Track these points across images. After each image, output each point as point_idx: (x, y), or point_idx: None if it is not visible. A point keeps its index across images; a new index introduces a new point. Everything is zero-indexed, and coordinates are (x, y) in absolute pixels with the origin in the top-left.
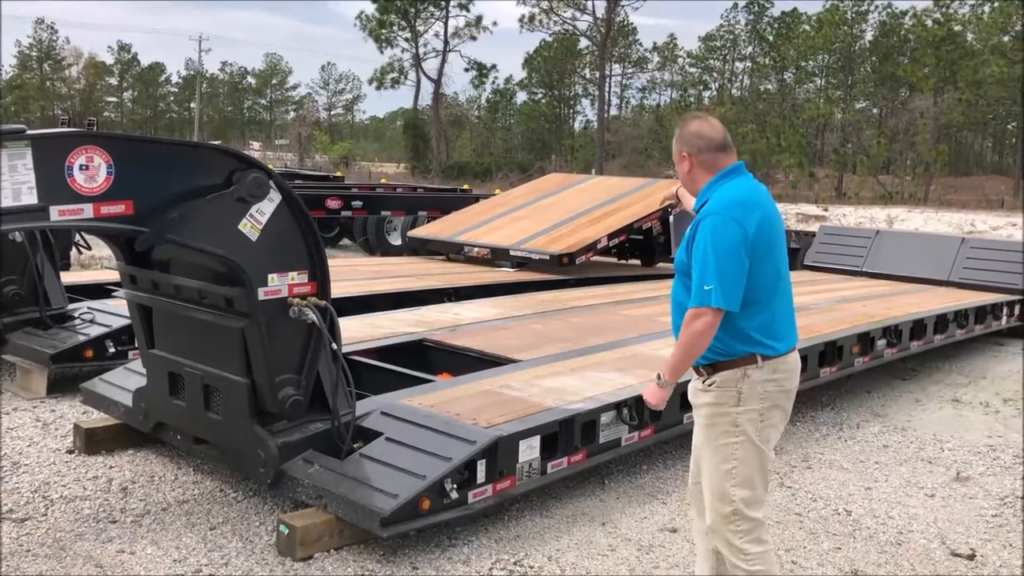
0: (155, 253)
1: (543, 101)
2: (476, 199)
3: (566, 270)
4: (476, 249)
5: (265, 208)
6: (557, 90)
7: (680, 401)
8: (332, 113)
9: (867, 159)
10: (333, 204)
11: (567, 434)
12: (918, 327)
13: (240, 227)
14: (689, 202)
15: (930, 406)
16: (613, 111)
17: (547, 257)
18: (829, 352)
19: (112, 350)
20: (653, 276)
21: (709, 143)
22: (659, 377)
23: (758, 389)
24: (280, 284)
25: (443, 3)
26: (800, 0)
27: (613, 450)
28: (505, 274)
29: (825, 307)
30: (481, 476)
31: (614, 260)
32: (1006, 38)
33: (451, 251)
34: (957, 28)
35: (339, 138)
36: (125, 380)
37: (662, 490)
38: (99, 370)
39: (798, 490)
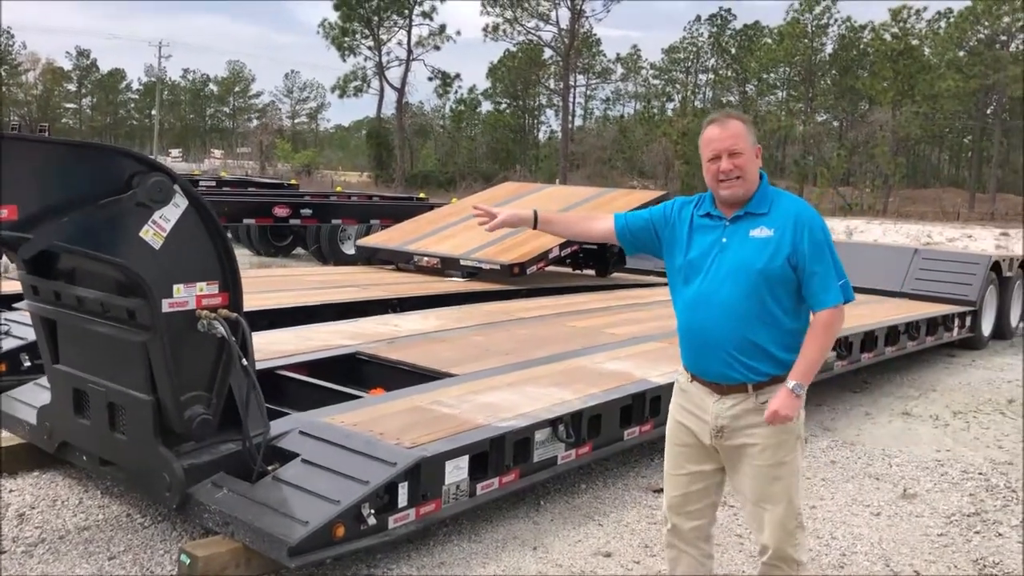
0: (58, 263)
1: (507, 111)
2: (431, 208)
3: (517, 280)
4: (426, 259)
5: (169, 214)
6: (521, 100)
7: (620, 417)
8: (296, 121)
9: (827, 171)
10: (281, 212)
11: (498, 453)
12: (869, 339)
13: (141, 234)
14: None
15: (880, 419)
16: (578, 122)
17: (498, 267)
18: None
19: (28, 364)
20: (607, 287)
21: None
22: (799, 387)
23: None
24: (187, 295)
25: (406, 12)
26: (762, 13)
27: (549, 469)
28: (454, 284)
29: None
30: (403, 500)
31: (568, 270)
32: (961, 53)
33: (400, 260)
34: (914, 42)
35: (303, 146)
36: (33, 397)
37: (599, 511)
38: (16, 385)
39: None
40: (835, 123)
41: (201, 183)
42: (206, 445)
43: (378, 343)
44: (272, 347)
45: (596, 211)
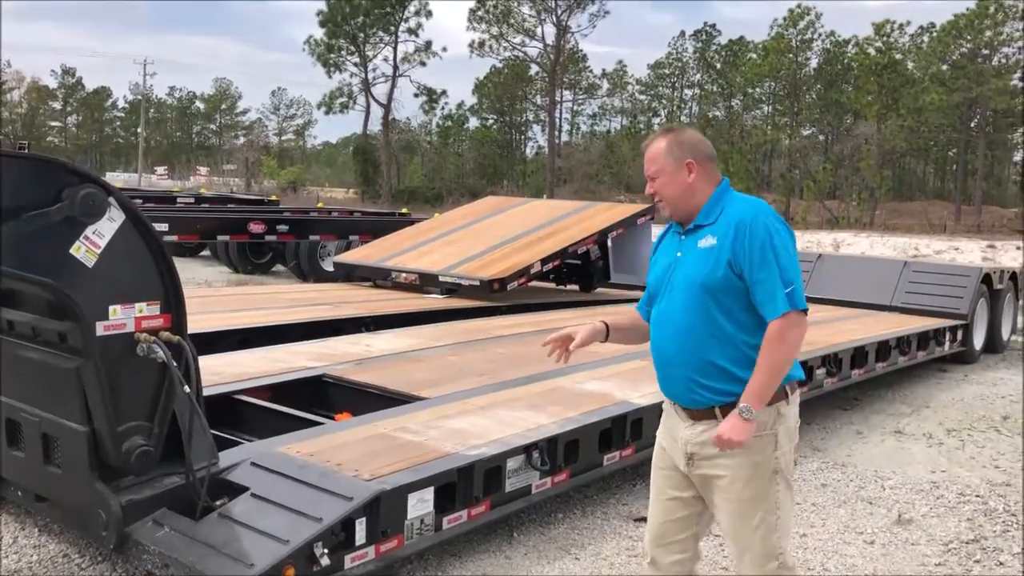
0: None
1: (494, 127)
2: (413, 223)
3: (498, 296)
4: (404, 275)
5: (104, 229)
6: (508, 116)
7: (599, 441)
8: (283, 138)
9: (813, 184)
10: (256, 228)
11: (466, 484)
12: (859, 355)
13: (72, 251)
14: None
15: (872, 438)
16: (564, 137)
17: (477, 283)
18: None
19: None
20: (591, 302)
21: (710, 152)
22: (747, 411)
23: (790, 426)
24: (124, 317)
25: (392, 28)
26: (746, 28)
27: (522, 499)
28: (432, 301)
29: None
30: (361, 537)
31: (551, 286)
32: (945, 67)
33: (378, 277)
34: (898, 56)
35: (289, 163)
36: None
37: (576, 543)
38: None
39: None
40: (821, 137)
41: (180, 200)
42: (147, 479)
43: (346, 364)
44: (232, 370)
45: (582, 224)
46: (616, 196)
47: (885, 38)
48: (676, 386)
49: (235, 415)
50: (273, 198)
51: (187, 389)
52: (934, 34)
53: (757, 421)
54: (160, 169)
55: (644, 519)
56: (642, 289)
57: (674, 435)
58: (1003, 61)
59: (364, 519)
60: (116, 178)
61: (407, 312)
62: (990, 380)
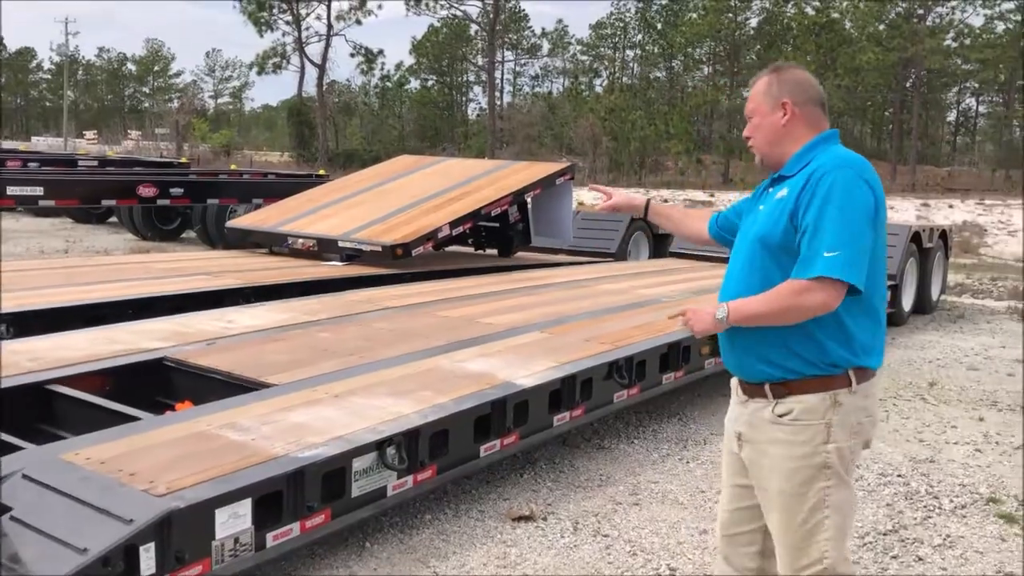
0: None
1: (434, 88)
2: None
3: (402, 263)
4: (301, 241)
5: None
6: (448, 77)
7: (474, 430)
8: (219, 101)
9: None
10: (147, 192)
11: (297, 492)
12: None
13: None
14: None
15: None
16: (507, 99)
17: (379, 248)
18: (673, 354)
19: None
20: (509, 267)
21: (817, 95)
22: (721, 311)
23: (851, 420)
24: None
25: None
26: None
27: (375, 504)
28: (329, 269)
29: (678, 300)
30: (149, 566)
31: (469, 251)
32: (881, 26)
33: (274, 243)
34: (836, 16)
35: (227, 126)
36: None
37: (439, 551)
38: None
39: (616, 539)
40: None
41: (81, 163)
42: None
43: (196, 345)
44: (57, 354)
45: (497, 184)
46: (558, 158)
47: None
48: (729, 354)
49: (49, 409)
50: (184, 160)
51: None
52: None
53: (805, 406)
54: (89, 134)
55: (525, 517)
56: (566, 252)
57: (732, 413)
58: (937, 21)
59: (152, 544)
60: (40, 143)
61: (297, 281)
62: (918, 343)
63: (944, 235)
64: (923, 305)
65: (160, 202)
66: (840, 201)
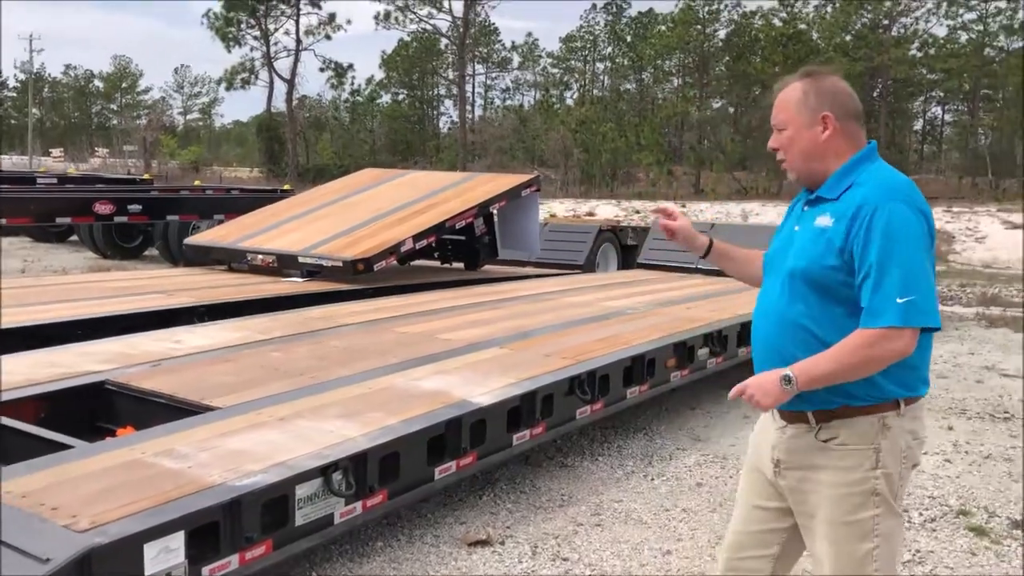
0: None
1: (405, 102)
2: None
3: (364, 278)
4: (260, 257)
5: None
6: (420, 91)
7: (428, 450)
8: (189, 117)
9: (723, 156)
10: (103, 209)
11: (235, 522)
12: (746, 331)
13: None
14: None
15: None
16: (478, 111)
17: (340, 264)
18: (637, 368)
19: None
20: (475, 281)
21: (856, 108)
22: (786, 380)
23: (900, 444)
24: None
25: (293, 1)
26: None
27: (321, 532)
28: (289, 285)
29: (643, 312)
30: None
31: (435, 264)
32: (847, 37)
33: (233, 260)
34: (803, 27)
35: (197, 142)
36: None
37: None
38: None
39: (576, 563)
40: (730, 109)
41: (40, 181)
42: None
43: (141, 367)
44: (2, 376)
45: (462, 196)
46: (530, 170)
47: (789, 8)
48: None
49: None
50: (147, 177)
51: None
52: (837, 4)
53: (853, 430)
54: (56, 151)
55: (482, 542)
56: (534, 265)
57: (765, 434)
58: (902, 31)
59: None
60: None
61: (254, 299)
62: None
63: None
64: None
65: (117, 219)
66: (902, 239)
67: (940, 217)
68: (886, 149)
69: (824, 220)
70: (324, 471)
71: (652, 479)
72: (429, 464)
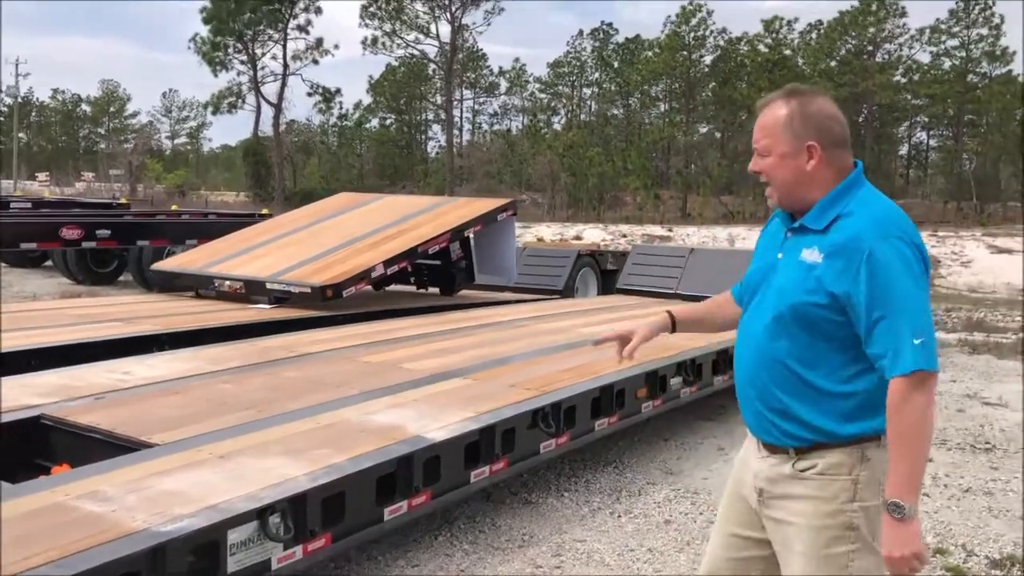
0: None
1: (393, 126)
2: None
3: (333, 305)
4: (228, 283)
5: None
6: (407, 115)
7: (377, 489)
8: (176, 142)
9: (709, 180)
10: (70, 234)
11: (158, 571)
12: (722, 359)
13: None
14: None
15: (734, 455)
16: (466, 136)
17: (308, 290)
18: (606, 399)
19: None
20: (450, 307)
21: (843, 134)
22: (895, 508)
23: (879, 475)
24: None
25: (280, 25)
26: (643, 28)
27: None
28: (255, 312)
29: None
30: None
31: (411, 290)
32: (832, 63)
33: (201, 286)
34: (788, 53)
35: (185, 166)
36: None
37: None
38: None
39: None
40: (717, 134)
41: (13, 205)
42: None
43: (84, 400)
44: None
45: (436, 221)
46: (517, 195)
47: (775, 35)
48: (747, 413)
49: None
50: (123, 201)
51: None
52: (821, 31)
53: (831, 460)
54: (42, 176)
55: None
56: (513, 290)
57: (747, 463)
58: (886, 57)
59: None
60: None
61: (217, 327)
62: None
63: None
64: None
65: (85, 244)
66: (903, 275)
67: (926, 241)
68: (872, 174)
69: (811, 255)
70: (260, 514)
71: (619, 516)
72: (378, 504)
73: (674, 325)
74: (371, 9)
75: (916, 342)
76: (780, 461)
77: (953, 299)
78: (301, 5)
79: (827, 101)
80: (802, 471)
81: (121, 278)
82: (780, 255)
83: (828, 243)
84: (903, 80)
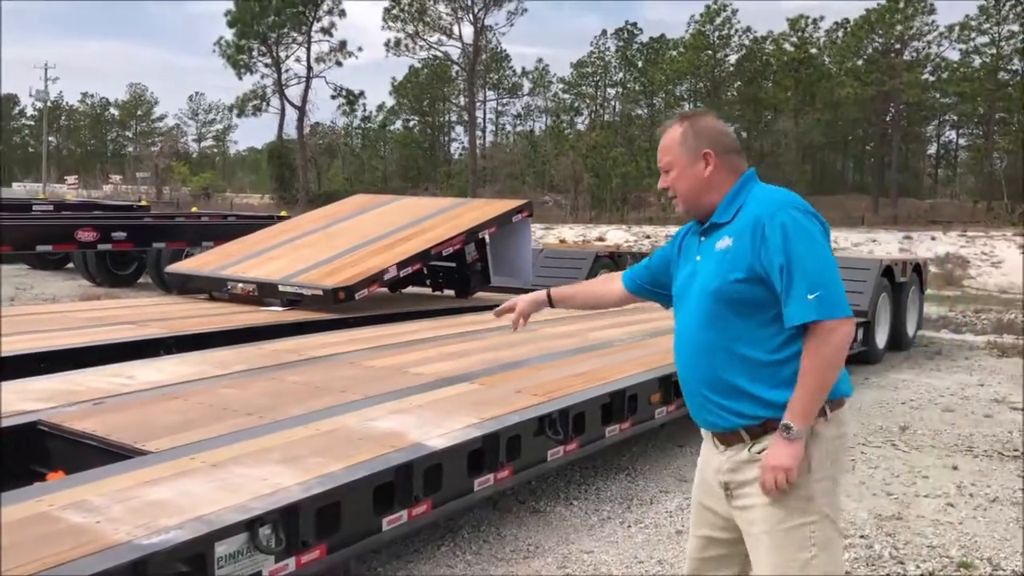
0: None
1: (416, 128)
2: None
3: (345, 307)
4: (240, 285)
5: None
6: (430, 117)
7: (375, 499)
8: (203, 144)
9: None
10: (86, 236)
11: None
12: None
13: None
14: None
15: None
16: (489, 137)
17: (320, 292)
18: (617, 404)
19: None
20: (464, 309)
21: (733, 143)
22: (786, 428)
23: (830, 448)
24: None
25: (304, 28)
26: (667, 27)
27: None
28: (267, 315)
29: (628, 344)
30: None
31: (426, 292)
32: (859, 61)
33: (214, 288)
34: (813, 51)
35: (211, 169)
36: None
37: None
38: None
39: None
40: (743, 133)
41: (36, 208)
42: None
43: (83, 405)
44: None
45: (450, 223)
46: (540, 196)
47: (800, 33)
48: (695, 408)
49: None
50: (143, 203)
51: None
52: (848, 29)
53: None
54: (71, 179)
55: None
56: (528, 292)
57: (709, 465)
58: (914, 55)
59: None
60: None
61: (227, 330)
62: (892, 383)
63: (918, 268)
64: (898, 341)
65: (101, 247)
66: (800, 235)
67: (955, 242)
68: (899, 173)
69: (724, 242)
70: (250, 525)
71: (629, 526)
72: (376, 514)
73: (551, 300)
74: (394, 11)
75: (810, 297)
76: (736, 450)
77: (983, 300)
78: (325, 8)
79: (714, 118)
80: (759, 453)
81: (140, 280)
82: (698, 257)
83: (735, 229)
84: (931, 78)
